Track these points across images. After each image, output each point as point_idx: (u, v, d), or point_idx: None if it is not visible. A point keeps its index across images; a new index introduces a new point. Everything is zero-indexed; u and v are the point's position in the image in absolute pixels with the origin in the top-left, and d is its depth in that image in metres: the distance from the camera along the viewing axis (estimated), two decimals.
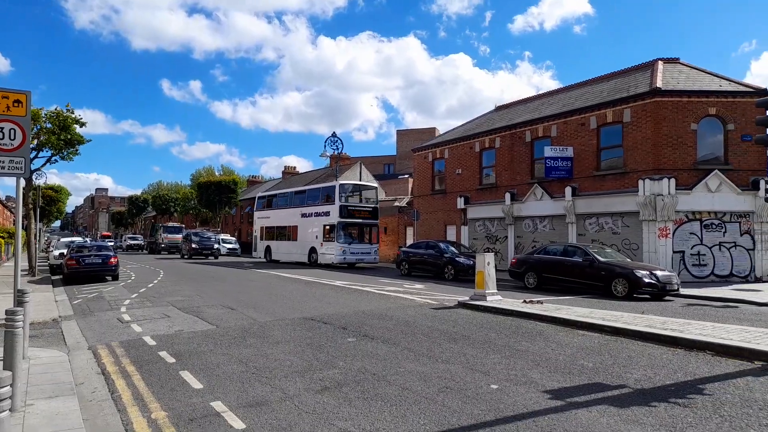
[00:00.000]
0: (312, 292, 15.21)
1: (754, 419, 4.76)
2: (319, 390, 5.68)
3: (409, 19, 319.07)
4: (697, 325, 8.86)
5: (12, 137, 6.74)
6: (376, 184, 33.47)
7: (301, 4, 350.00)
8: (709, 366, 6.66)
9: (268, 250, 33.16)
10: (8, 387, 3.47)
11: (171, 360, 7.09)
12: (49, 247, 40.84)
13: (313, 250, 28.63)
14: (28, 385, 5.69)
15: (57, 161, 21.97)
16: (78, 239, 35.90)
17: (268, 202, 35.36)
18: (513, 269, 17.37)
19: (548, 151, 20.96)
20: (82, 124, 21.36)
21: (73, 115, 21.02)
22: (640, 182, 18.19)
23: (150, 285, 17.37)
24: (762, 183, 16.27)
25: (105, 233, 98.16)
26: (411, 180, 39.50)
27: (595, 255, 14.91)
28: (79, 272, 18.63)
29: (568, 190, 20.72)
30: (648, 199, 17.95)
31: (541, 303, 11.89)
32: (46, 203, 38.92)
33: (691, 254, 18.14)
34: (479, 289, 12.35)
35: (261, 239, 34.50)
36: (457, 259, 20.02)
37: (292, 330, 9.16)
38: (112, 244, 37.53)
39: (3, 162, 6.75)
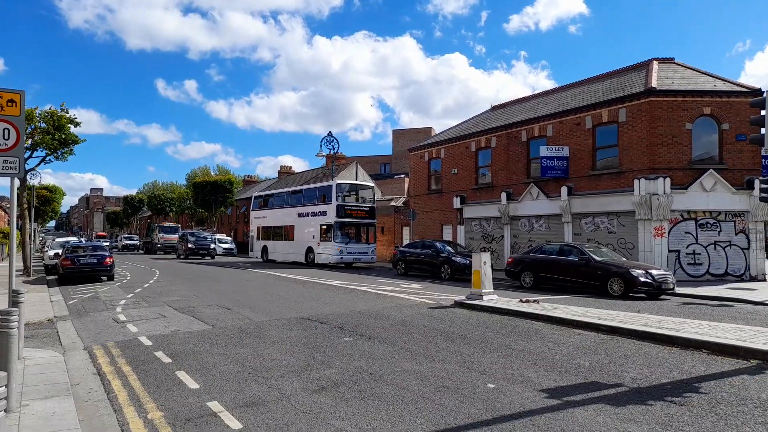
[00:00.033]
0: (308, 291, 15.19)
1: (750, 417, 4.79)
2: (315, 390, 5.67)
3: (405, 19, 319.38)
4: (692, 324, 8.90)
5: (6, 137, 6.70)
6: (372, 184, 33.44)
7: (297, 3, 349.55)
8: (705, 365, 6.69)
9: (264, 249, 33.11)
10: (4, 387, 3.46)
11: (167, 360, 7.06)
12: (44, 247, 40.70)
13: (310, 250, 28.61)
14: (23, 386, 5.67)
15: (51, 161, 21.92)
16: (73, 239, 35.78)
17: (265, 202, 35.31)
18: (509, 269, 17.41)
19: (544, 151, 21.01)
20: (77, 124, 21.28)
21: (68, 115, 20.95)
22: (636, 182, 18.25)
23: (146, 285, 17.31)
24: (756, 182, 16.37)
25: (100, 233, 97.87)
26: (407, 180, 39.47)
27: (591, 254, 14.96)
28: (75, 272, 18.58)
29: (563, 190, 20.77)
30: (643, 198, 18.01)
31: (538, 302, 11.92)
32: (40, 203, 38.68)
33: (686, 253, 18.21)
34: (476, 289, 12.37)
35: (258, 239, 34.47)
36: (453, 258, 20.04)
37: (289, 330, 9.15)
38: (107, 244, 37.47)
39: None
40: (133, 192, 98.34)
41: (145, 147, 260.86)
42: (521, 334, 8.78)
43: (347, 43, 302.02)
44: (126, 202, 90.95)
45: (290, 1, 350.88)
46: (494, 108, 29.68)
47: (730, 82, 19.50)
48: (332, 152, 33.34)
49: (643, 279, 13.59)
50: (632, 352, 7.40)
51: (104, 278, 19.12)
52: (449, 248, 21.14)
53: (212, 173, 76.20)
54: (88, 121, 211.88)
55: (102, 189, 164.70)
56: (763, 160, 11.87)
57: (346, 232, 27.50)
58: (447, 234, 27.15)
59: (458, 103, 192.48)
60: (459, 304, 12.11)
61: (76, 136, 21.49)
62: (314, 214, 28.60)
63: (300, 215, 29.97)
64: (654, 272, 13.84)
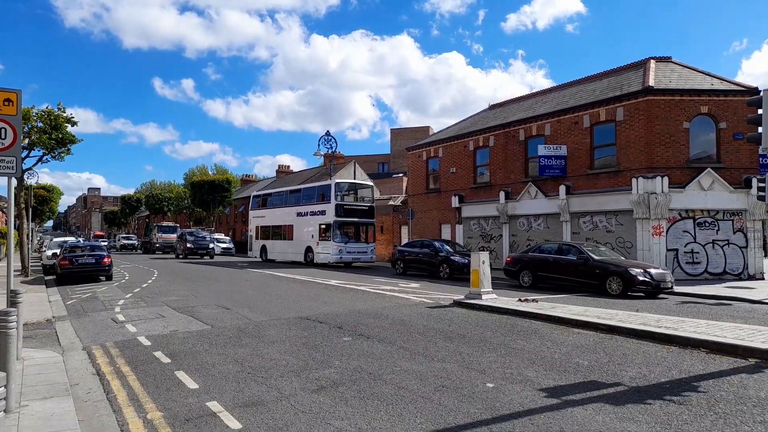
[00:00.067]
0: (307, 291, 15.19)
1: (749, 416, 4.80)
2: (315, 389, 5.67)
3: (402, 18, 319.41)
4: (691, 323, 8.92)
5: (3, 136, 6.69)
6: (371, 183, 33.43)
7: (294, 2, 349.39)
8: (704, 363, 6.71)
9: (263, 249, 33.07)
10: (3, 388, 3.45)
11: (166, 360, 7.06)
12: (41, 247, 40.57)
13: (308, 250, 28.59)
14: (22, 386, 5.66)
15: (48, 161, 21.85)
16: (71, 239, 35.72)
17: (263, 201, 35.26)
18: (508, 268, 17.42)
19: (542, 150, 21.03)
20: (74, 123, 21.23)
21: (65, 114, 20.89)
22: (634, 180, 18.27)
23: (144, 285, 17.29)
24: (754, 181, 16.41)
25: (98, 233, 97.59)
26: (405, 179, 39.49)
27: (590, 253, 14.98)
28: (73, 272, 18.54)
29: (562, 189, 20.78)
30: (641, 197, 18.04)
31: (536, 301, 11.94)
32: (38, 203, 38.60)
33: (684, 252, 18.25)
34: (474, 288, 12.38)
35: (256, 238, 34.42)
36: (452, 257, 20.04)
37: (288, 329, 9.15)
38: (105, 244, 37.35)
39: None
40: (131, 191, 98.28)
41: (142, 146, 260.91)
42: (520, 333, 8.79)
43: (344, 42, 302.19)
44: (124, 201, 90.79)
45: None
46: (492, 107, 29.69)
47: (728, 81, 19.54)
48: (330, 151, 33.34)
49: (641, 278, 13.61)
50: (631, 351, 7.42)
51: (102, 278, 19.09)
52: (448, 247, 21.15)
53: (210, 172, 76.00)
54: (85, 121, 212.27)
55: (99, 188, 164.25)
56: (761, 158, 11.92)
57: (345, 232, 27.48)
58: (445, 233, 27.15)
59: (456, 102, 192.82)
60: (458, 304, 12.12)
61: (74, 136, 21.44)
62: (313, 214, 28.57)
63: (299, 215, 29.94)
64: (652, 271, 13.87)
